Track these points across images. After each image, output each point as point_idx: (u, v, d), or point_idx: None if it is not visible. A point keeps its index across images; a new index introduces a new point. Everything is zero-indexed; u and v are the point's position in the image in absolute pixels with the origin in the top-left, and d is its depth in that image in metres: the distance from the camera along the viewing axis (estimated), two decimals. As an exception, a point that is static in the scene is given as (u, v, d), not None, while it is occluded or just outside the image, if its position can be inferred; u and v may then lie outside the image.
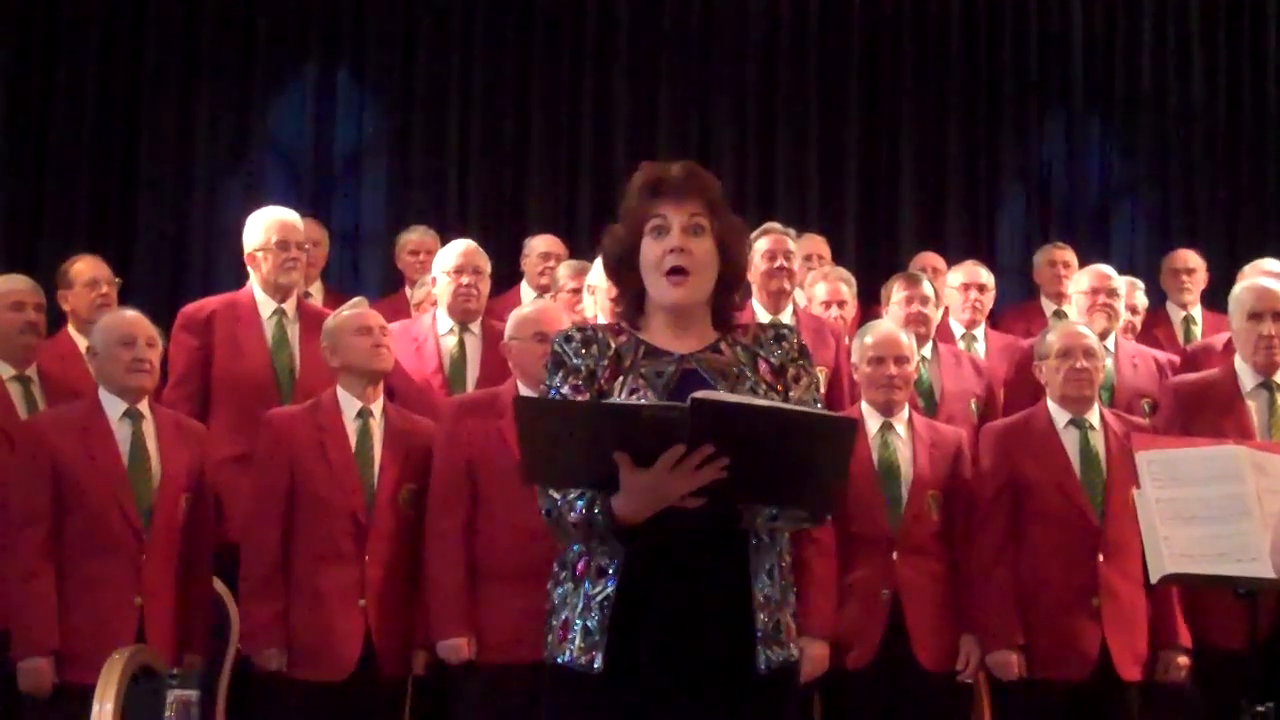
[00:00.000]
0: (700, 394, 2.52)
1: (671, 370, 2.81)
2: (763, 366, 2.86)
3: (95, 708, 2.79)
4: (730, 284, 2.90)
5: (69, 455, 4.40)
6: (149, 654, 3.14)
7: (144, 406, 4.55)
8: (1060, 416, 4.72)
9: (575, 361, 2.83)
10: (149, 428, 4.53)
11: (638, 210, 2.86)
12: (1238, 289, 4.98)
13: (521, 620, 4.04)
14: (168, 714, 1.99)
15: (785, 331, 2.94)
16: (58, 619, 4.30)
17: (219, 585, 4.64)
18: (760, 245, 5.54)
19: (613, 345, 2.85)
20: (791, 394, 2.84)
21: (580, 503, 2.71)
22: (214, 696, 4.55)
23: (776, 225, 5.75)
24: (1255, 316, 4.77)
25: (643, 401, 2.73)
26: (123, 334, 4.52)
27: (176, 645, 4.43)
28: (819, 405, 2.90)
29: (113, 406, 4.50)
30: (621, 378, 2.80)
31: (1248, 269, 5.95)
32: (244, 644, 4.53)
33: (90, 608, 4.33)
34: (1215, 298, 6.54)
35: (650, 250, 2.83)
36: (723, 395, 2.60)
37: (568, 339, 2.87)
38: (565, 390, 2.81)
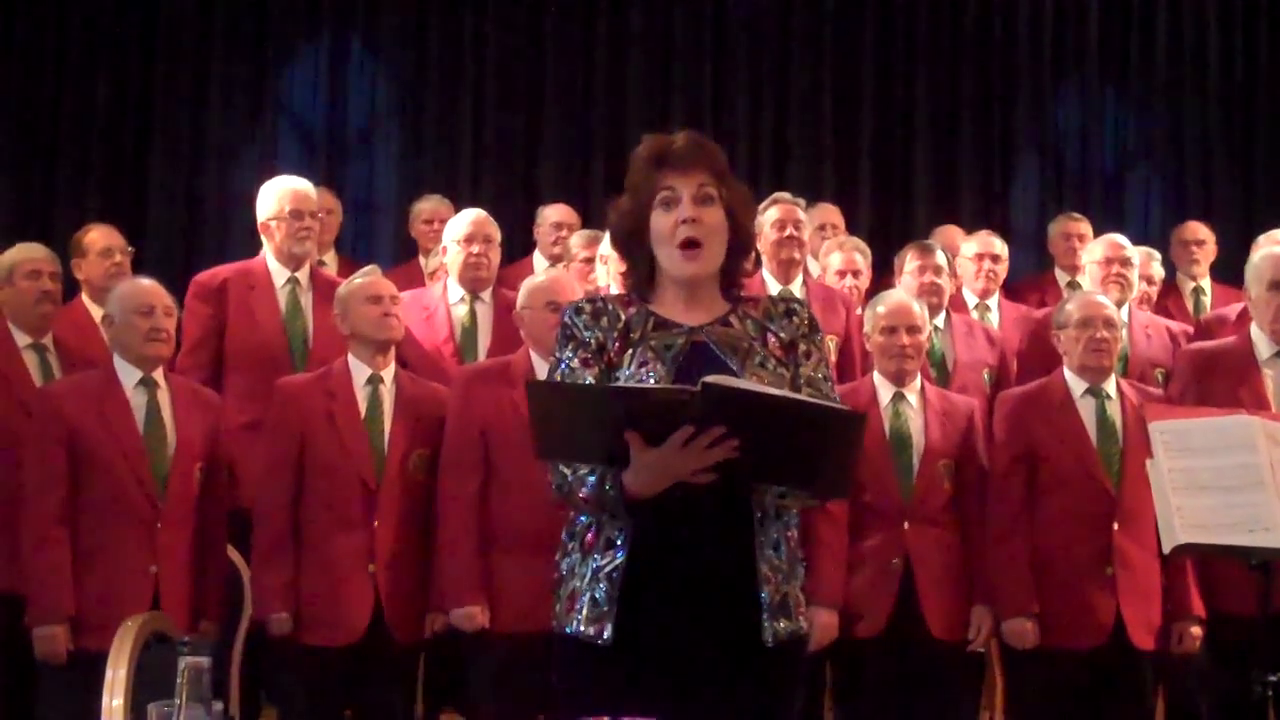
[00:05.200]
0: (710, 378, 2.51)
1: (681, 343, 2.81)
2: (772, 340, 2.86)
3: (108, 674, 2.80)
4: (740, 252, 2.89)
5: (84, 423, 4.41)
6: (162, 620, 3.15)
7: (159, 375, 4.55)
8: (1077, 386, 4.71)
9: (585, 335, 2.83)
10: (164, 396, 4.54)
11: (644, 183, 2.85)
12: (1256, 257, 4.96)
13: (535, 588, 4.04)
14: (179, 680, 2.00)
15: (795, 306, 2.93)
16: (73, 586, 4.32)
17: (233, 553, 4.66)
18: (770, 215, 5.54)
19: (623, 317, 2.85)
20: (801, 370, 2.84)
21: (591, 479, 2.71)
22: (229, 663, 4.58)
23: (786, 195, 5.75)
24: (1276, 286, 4.75)
25: (652, 380, 2.74)
26: (140, 303, 4.52)
27: (191, 613, 4.44)
28: (829, 382, 2.90)
29: (128, 375, 4.51)
30: (631, 350, 2.80)
31: (1262, 239, 5.93)
32: (254, 609, 4.56)
33: (106, 575, 4.35)
34: (1229, 268, 6.52)
35: (661, 222, 2.82)
36: (732, 381, 2.59)
37: (578, 311, 2.87)
38: (575, 364, 2.81)
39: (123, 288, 4.66)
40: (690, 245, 2.80)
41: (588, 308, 2.87)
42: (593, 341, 2.82)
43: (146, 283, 4.64)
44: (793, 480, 2.71)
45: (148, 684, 2.73)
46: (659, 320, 2.84)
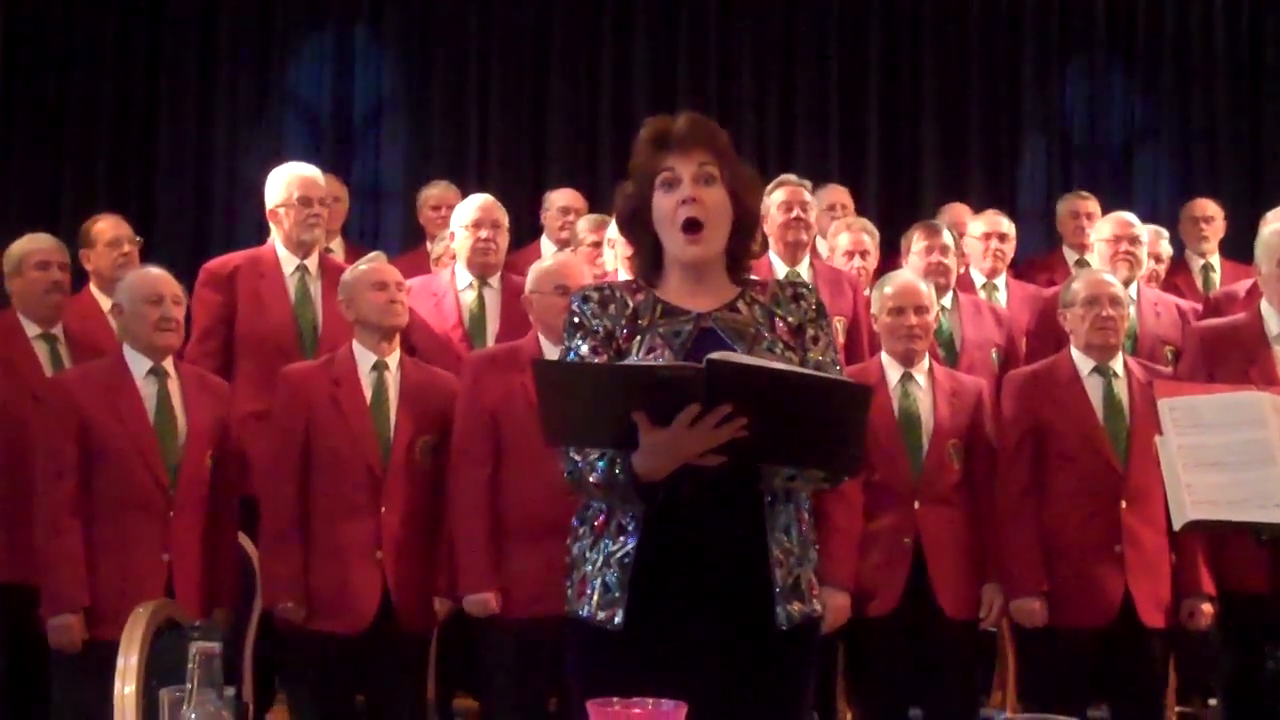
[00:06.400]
0: (716, 355, 2.51)
1: (689, 329, 2.80)
2: (780, 326, 2.85)
3: (119, 661, 2.81)
4: (745, 233, 2.88)
5: (95, 413, 4.41)
6: (173, 607, 3.16)
7: (168, 364, 4.55)
8: (1084, 364, 4.71)
9: (594, 323, 2.82)
10: (174, 385, 4.54)
11: (646, 165, 2.84)
12: (1266, 232, 4.94)
13: (547, 574, 4.04)
14: (190, 666, 2.00)
15: (803, 290, 2.92)
16: (87, 576, 4.33)
17: (244, 540, 4.67)
18: (776, 197, 5.54)
19: (631, 304, 2.83)
20: (809, 354, 2.83)
21: (601, 463, 2.71)
22: (243, 649, 4.59)
23: (792, 177, 5.74)
24: None
25: (659, 361, 2.74)
26: (149, 292, 4.51)
27: (204, 601, 4.46)
28: (837, 366, 2.89)
29: (137, 364, 4.51)
30: (639, 337, 2.79)
31: (1271, 215, 5.91)
32: (263, 598, 4.56)
33: (119, 565, 4.36)
34: (1238, 245, 6.51)
35: (662, 203, 2.81)
36: (738, 356, 2.59)
37: (585, 299, 2.85)
38: (584, 352, 2.80)
39: (131, 277, 4.66)
40: (691, 227, 2.79)
41: (595, 295, 2.86)
42: (601, 329, 2.81)
43: (155, 271, 4.64)
44: (801, 458, 2.70)
45: (159, 671, 2.74)
46: (667, 307, 2.83)
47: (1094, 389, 4.68)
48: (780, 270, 5.47)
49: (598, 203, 6.83)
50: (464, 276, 5.51)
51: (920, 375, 4.78)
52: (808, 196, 5.65)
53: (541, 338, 4.62)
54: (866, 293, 5.40)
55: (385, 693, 4.62)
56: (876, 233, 6.12)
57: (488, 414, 4.55)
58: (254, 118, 8.16)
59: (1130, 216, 5.95)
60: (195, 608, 4.31)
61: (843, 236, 6.03)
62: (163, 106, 8.02)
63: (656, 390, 2.54)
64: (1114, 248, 5.78)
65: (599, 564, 2.79)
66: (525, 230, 6.91)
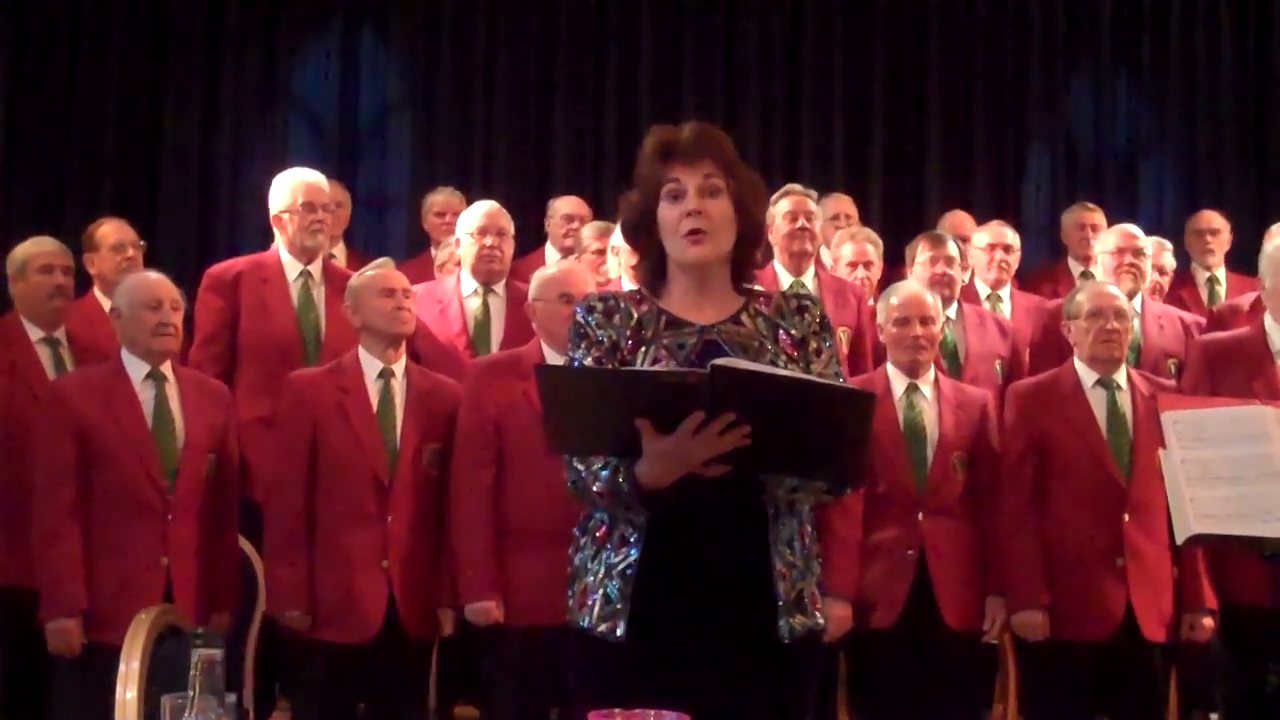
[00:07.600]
0: (720, 361, 2.51)
1: (693, 342, 2.80)
2: (783, 338, 2.85)
3: (122, 667, 2.80)
4: (749, 242, 2.88)
5: (94, 417, 4.41)
6: (175, 613, 3.16)
7: (166, 368, 4.54)
8: (1088, 376, 4.71)
9: (598, 334, 2.82)
10: (172, 389, 4.53)
11: (651, 175, 2.84)
12: (1270, 247, 4.94)
13: (550, 582, 4.03)
14: (192, 672, 2.00)
15: (807, 303, 2.92)
16: (85, 580, 4.32)
17: (245, 545, 4.66)
18: (781, 206, 5.54)
19: (635, 315, 2.83)
20: (813, 367, 2.83)
21: (605, 472, 2.70)
22: (243, 656, 4.58)
23: (797, 186, 5.74)
24: None
25: (663, 368, 2.73)
26: (147, 297, 4.51)
27: (203, 605, 4.44)
28: (840, 379, 2.89)
29: (136, 368, 4.50)
30: (643, 348, 2.79)
31: (1275, 228, 5.91)
32: (269, 605, 4.55)
33: (117, 569, 4.35)
34: (1243, 258, 6.50)
35: (667, 214, 2.81)
36: (742, 363, 2.59)
37: (590, 310, 2.85)
38: (588, 363, 2.80)
39: (130, 281, 4.66)
40: (695, 234, 2.78)
41: (599, 306, 2.86)
42: (605, 340, 2.81)
43: (153, 276, 4.64)
44: (805, 468, 2.70)
45: (161, 677, 2.74)
46: (671, 318, 2.83)
47: (1097, 402, 4.68)
48: (785, 280, 5.47)
49: (602, 210, 6.82)
50: (469, 283, 5.51)
51: (925, 386, 4.78)
52: (813, 206, 5.66)
53: (545, 345, 4.61)
54: (871, 303, 5.40)
55: (388, 701, 4.60)
56: (880, 243, 6.12)
57: (490, 421, 4.55)
58: (258, 122, 8.16)
59: (1134, 229, 5.95)
60: (194, 611, 4.29)
61: (846, 247, 6.02)
62: (167, 110, 8.01)
63: (660, 397, 2.54)
64: (1118, 260, 5.78)
65: (600, 575, 2.79)
66: (529, 237, 6.90)
